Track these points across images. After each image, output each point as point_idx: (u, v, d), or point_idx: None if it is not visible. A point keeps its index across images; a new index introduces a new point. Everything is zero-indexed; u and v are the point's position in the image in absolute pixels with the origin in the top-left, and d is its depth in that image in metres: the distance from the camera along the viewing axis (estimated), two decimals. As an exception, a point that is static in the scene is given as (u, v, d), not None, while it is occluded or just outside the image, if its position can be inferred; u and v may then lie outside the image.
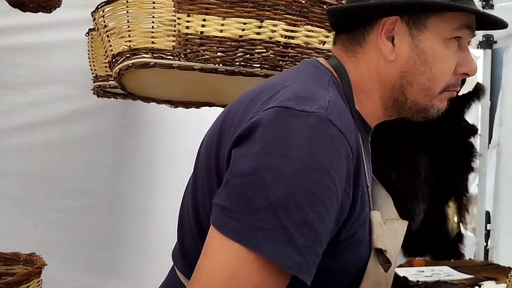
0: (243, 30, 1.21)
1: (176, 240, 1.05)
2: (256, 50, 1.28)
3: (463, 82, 2.88)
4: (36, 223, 2.19)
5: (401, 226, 1.03)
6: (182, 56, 1.25)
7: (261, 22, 1.24)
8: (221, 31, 1.21)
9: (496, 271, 2.46)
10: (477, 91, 2.84)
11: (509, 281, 1.70)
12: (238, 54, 1.23)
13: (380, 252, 0.92)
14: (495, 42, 3.16)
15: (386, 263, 0.91)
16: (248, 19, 1.21)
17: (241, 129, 0.84)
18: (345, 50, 1.00)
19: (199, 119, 1.96)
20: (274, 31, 1.27)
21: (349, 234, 0.87)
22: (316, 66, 0.97)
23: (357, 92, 0.97)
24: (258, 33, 1.24)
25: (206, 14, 1.19)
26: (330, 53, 1.13)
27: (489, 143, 3.15)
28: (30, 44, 2.16)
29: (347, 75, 0.97)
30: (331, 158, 0.81)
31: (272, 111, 0.83)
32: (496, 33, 3.15)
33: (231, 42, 1.22)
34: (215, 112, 1.18)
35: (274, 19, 1.25)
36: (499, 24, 0.99)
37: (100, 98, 2.12)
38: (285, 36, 1.30)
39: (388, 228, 0.98)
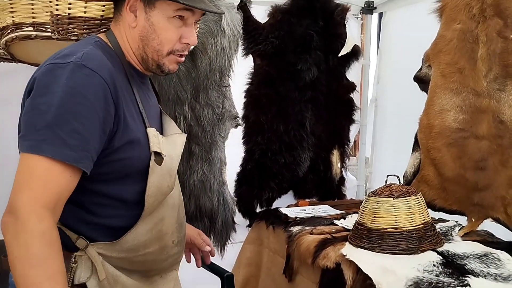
0: (103, 11, 1.46)
1: None
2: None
3: (342, 45, 3.19)
4: None
5: (180, 138, 1.48)
6: (56, 33, 1.49)
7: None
8: (85, 12, 1.46)
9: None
10: (355, 52, 3.13)
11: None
12: (101, 30, 1.48)
13: (157, 154, 1.34)
14: (375, 8, 3.38)
15: (159, 159, 1.34)
16: (107, 2, 1.46)
17: (29, 85, 1.25)
18: (115, 18, 1.40)
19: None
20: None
21: (123, 142, 1.28)
22: (90, 37, 1.37)
23: (123, 50, 1.36)
24: (117, 13, 1.49)
25: (71, -2, 1.43)
26: None
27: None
28: None
29: (114, 38, 1.36)
30: (87, 88, 1.20)
31: (44, 68, 1.24)
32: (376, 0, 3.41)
33: (95, 21, 1.47)
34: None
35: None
36: (212, 10, 1.38)
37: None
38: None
39: (169, 140, 1.41)
